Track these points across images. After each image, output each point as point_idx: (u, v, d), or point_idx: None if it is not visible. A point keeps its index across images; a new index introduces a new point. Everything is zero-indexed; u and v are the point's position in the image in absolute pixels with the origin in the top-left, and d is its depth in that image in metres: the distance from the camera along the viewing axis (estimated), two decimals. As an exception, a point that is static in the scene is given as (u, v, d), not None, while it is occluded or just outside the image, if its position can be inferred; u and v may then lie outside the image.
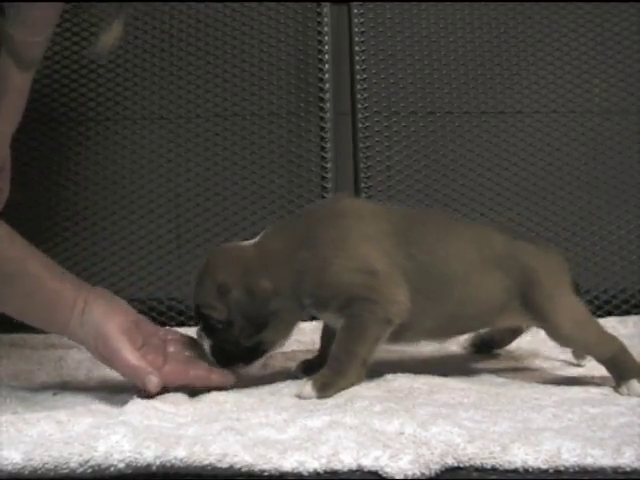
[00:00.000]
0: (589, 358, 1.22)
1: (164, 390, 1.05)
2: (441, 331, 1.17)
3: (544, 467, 0.81)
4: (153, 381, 1.02)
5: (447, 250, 1.13)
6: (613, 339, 1.14)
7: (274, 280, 1.08)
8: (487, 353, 1.32)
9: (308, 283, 1.09)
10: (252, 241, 1.13)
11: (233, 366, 1.10)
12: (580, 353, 1.24)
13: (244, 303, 1.07)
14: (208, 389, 1.07)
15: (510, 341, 1.31)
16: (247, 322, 1.07)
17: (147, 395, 1.03)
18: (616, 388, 1.11)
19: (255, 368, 1.15)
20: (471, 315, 1.14)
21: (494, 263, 1.13)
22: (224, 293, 1.07)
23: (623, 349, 1.13)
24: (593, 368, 1.17)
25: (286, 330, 1.13)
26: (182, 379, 1.06)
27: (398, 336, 1.12)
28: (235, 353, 1.09)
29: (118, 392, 1.08)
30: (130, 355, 1.03)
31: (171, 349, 1.10)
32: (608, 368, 1.14)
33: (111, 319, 1.05)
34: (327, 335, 1.19)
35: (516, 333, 1.29)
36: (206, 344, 1.10)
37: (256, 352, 1.11)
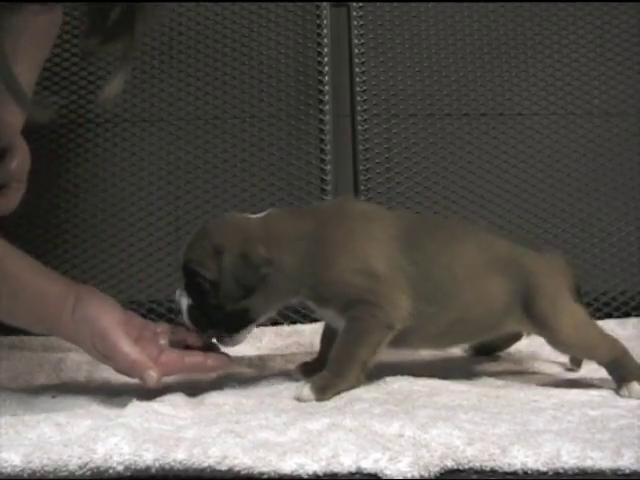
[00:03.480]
0: (585, 365, 1.22)
1: (163, 391, 1.06)
2: (445, 337, 1.16)
3: (544, 469, 0.81)
4: (152, 376, 1.02)
5: (451, 255, 1.13)
6: (614, 342, 1.14)
7: (274, 253, 1.08)
8: (487, 356, 1.32)
9: (310, 277, 1.09)
10: (258, 215, 1.13)
11: (212, 331, 1.09)
12: (578, 359, 1.24)
13: (236, 265, 1.06)
14: (207, 388, 1.08)
15: (510, 345, 1.31)
16: (235, 285, 1.06)
17: (147, 396, 1.03)
18: (617, 390, 1.11)
19: (240, 340, 1.12)
20: (474, 320, 1.14)
21: (497, 268, 1.13)
22: (218, 253, 1.07)
23: (624, 352, 1.13)
24: (592, 370, 1.17)
25: (275, 302, 1.12)
26: (178, 367, 1.07)
27: (401, 341, 1.12)
28: (216, 318, 1.09)
29: (117, 394, 1.08)
30: (129, 349, 1.02)
31: (163, 341, 1.10)
32: (609, 371, 1.14)
33: (106, 313, 1.04)
34: (327, 337, 1.18)
35: (516, 337, 1.28)
36: (184, 304, 1.09)
37: (241, 320, 1.10)
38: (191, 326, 1.09)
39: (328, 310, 1.12)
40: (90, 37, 1.08)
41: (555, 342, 1.15)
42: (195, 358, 1.08)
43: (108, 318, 1.04)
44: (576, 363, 1.25)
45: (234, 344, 1.12)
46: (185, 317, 1.10)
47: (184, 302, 1.10)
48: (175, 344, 1.10)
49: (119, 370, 1.05)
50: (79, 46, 1.23)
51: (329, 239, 1.11)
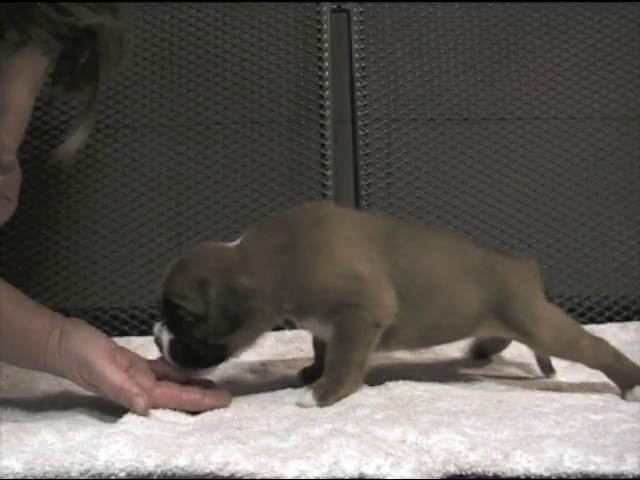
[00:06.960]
0: (586, 370, 1.22)
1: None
2: (421, 340, 1.16)
3: (546, 474, 0.81)
4: (140, 403, 0.99)
5: (429, 259, 1.13)
6: (599, 343, 1.14)
7: (255, 281, 1.06)
8: (485, 358, 1.32)
9: (291, 288, 1.08)
10: (234, 243, 1.11)
11: (191, 367, 1.06)
12: (548, 365, 1.24)
13: (223, 298, 1.04)
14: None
15: (503, 347, 1.31)
16: (223, 318, 1.04)
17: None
18: (622, 396, 1.11)
19: (211, 374, 1.09)
20: (450, 325, 1.14)
21: (472, 275, 1.13)
22: (203, 286, 1.04)
23: (616, 355, 1.13)
24: (594, 375, 1.17)
25: (254, 335, 1.10)
26: (174, 403, 1.04)
27: (381, 344, 1.11)
28: (196, 353, 1.05)
29: (119, 401, 1.08)
30: (116, 377, 1.01)
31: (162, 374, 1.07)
32: (608, 375, 1.14)
33: (93, 343, 1.04)
34: (319, 342, 1.18)
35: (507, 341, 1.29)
36: (165, 340, 1.06)
37: (217, 356, 1.07)
38: (172, 362, 1.06)
39: (311, 320, 1.10)
40: (58, 82, 1.09)
41: (535, 346, 1.16)
42: (192, 396, 1.05)
43: (94, 347, 1.03)
44: (548, 369, 1.25)
45: (206, 375, 1.09)
46: (166, 353, 1.06)
47: (165, 337, 1.06)
48: (162, 378, 1.07)
49: (109, 398, 1.03)
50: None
51: (307, 246, 1.09)
